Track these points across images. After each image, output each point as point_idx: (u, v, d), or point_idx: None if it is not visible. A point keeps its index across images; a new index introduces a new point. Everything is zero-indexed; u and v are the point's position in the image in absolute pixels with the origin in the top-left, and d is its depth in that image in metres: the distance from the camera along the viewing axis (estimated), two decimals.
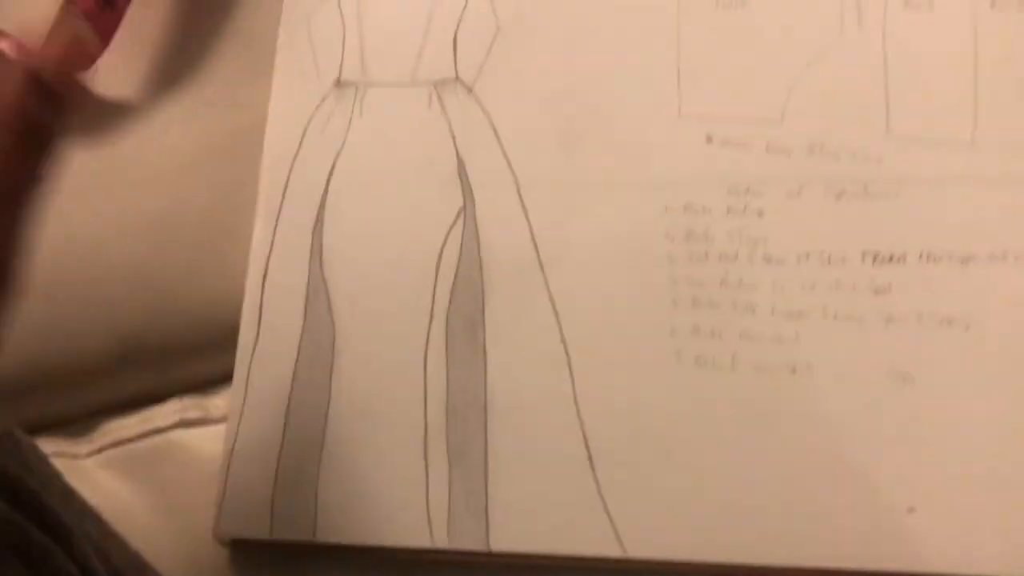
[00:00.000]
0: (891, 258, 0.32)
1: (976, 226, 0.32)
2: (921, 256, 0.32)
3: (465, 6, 0.36)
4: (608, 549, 0.31)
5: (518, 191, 0.34)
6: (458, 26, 0.36)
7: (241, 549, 0.33)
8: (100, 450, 0.35)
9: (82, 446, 0.35)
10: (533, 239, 0.34)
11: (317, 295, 0.34)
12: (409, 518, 0.32)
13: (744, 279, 0.33)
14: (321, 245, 0.35)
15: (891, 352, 0.32)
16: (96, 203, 0.35)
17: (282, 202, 0.35)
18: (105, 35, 0.36)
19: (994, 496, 0.30)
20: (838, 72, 0.34)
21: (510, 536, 0.31)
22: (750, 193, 0.34)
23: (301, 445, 0.32)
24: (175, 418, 0.35)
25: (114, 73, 0.38)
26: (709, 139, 0.34)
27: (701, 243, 0.33)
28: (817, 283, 0.33)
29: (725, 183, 0.34)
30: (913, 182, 0.33)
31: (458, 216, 0.34)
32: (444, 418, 0.33)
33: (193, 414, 0.35)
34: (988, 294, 0.32)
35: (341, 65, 0.36)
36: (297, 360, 0.33)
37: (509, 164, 0.35)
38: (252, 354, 0.33)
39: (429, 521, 0.31)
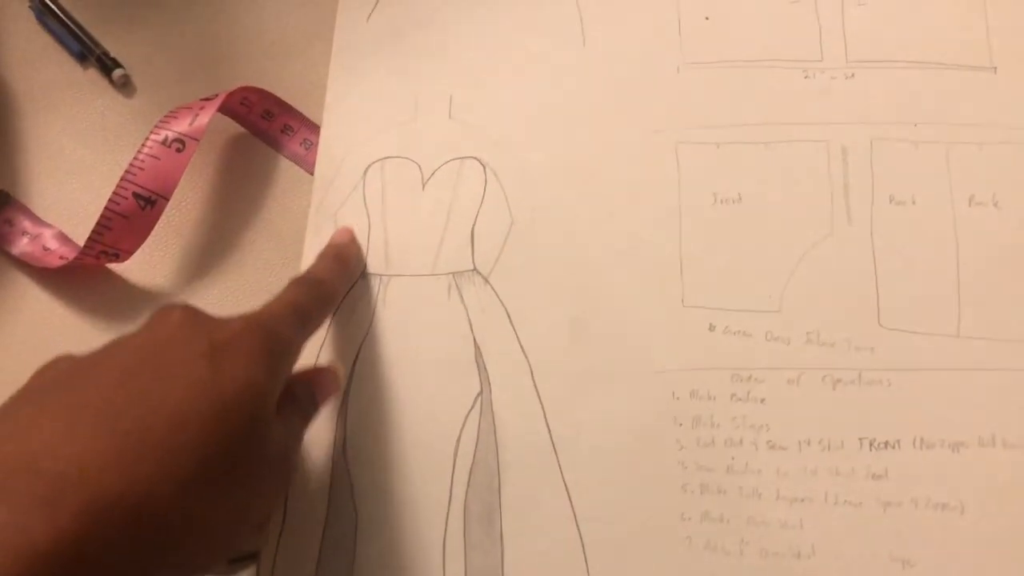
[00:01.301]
0: (886, 444, 0.35)
1: (965, 413, 0.35)
2: (914, 442, 0.35)
3: (482, 202, 0.40)
4: None
5: (532, 377, 0.38)
6: (475, 220, 0.40)
7: None
8: None
9: None
10: (547, 424, 0.37)
11: (341, 484, 0.37)
12: None
13: (750, 465, 0.36)
14: (345, 433, 0.37)
15: (890, 537, 0.34)
16: None
17: None
18: (144, 232, 0.39)
19: None
20: (830, 265, 0.38)
21: None
22: (752, 380, 0.37)
23: None
24: None
25: (147, 264, 0.41)
26: (712, 328, 0.38)
27: (708, 429, 0.36)
28: (818, 469, 0.35)
29: (728, 371, 0.37)
30: (904, 371, 0.36)
31: (475, 401, 0.37)
32: None
33: None
34: (979, 479, 0.35)
35: (367, 257, 0.40)
36: (321, 549, 0.36)
37: (523, 351, 0.38)
38: (278, 543, 0.36)
39: None
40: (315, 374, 0.35)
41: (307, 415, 0.34)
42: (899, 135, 0.39)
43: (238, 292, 0.41)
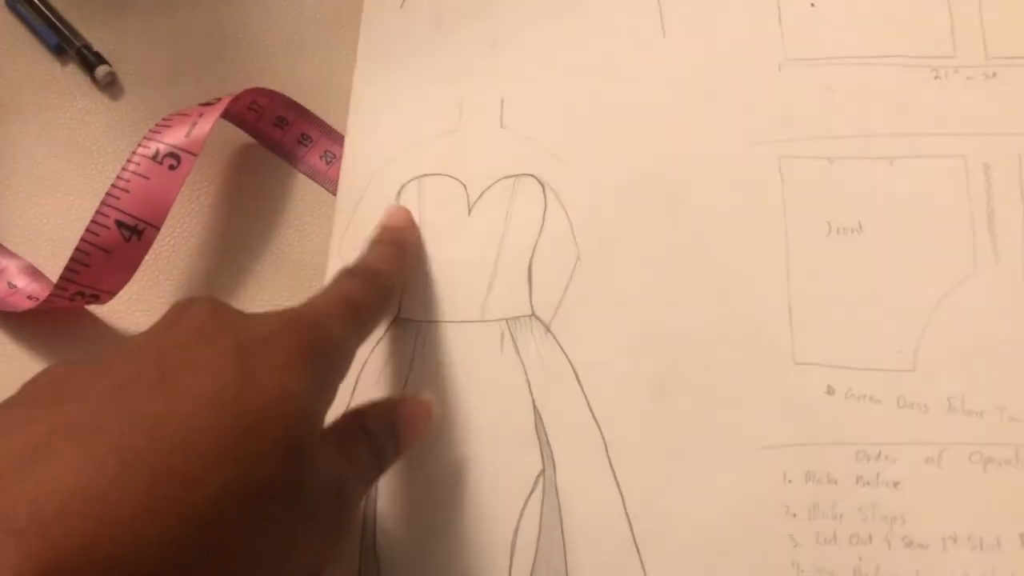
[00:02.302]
0: None
1: None
2: None
3: (541, 232, 0.35)
4: None
5: (607, 453, 0.32)
6: (533, 255, 0.35)
7: None
8: None
9: None
10: (626, 513, 0.31)
11: None
12: None
13: (882, 568, 0.30)
14: (375, 518, 0.32)
15: None
16: None
17: None
18: (129, 268, 0.34)
19: None
20: (975, 312, 0.32)
21: None
22: (883, 459, 0.31)
23: None
24: None
25: (135, 306, 0.36)
26: (830, 391, 0.32)
27: (829, 521, 0.31)
28: (969, 574, 0.29)
29: (852, 446, 0.31)
30: None
31: (536, 483, 0.32)
32: None
33: None
34: None
35: (401, 299, 0.34)
36: None
37: (595, 419, 0.32)
38: None
39: None
40: (399, 404, 0.29)
41: (381, 454, 0.27)
42: None
43: None
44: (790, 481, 0.31)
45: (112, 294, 0.34)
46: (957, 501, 0.30)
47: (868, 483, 0.31)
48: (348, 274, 0.29)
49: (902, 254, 0.33)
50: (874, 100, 0.35)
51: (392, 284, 0.31)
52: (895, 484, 0.31)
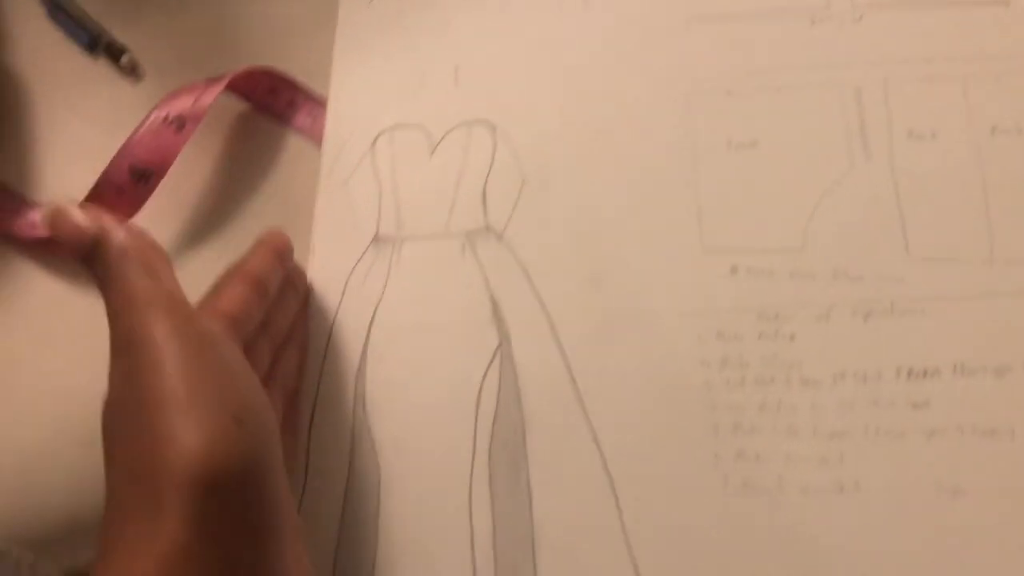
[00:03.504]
0: (925, 373, 0.35)
1: (1006, 338, 0.35)
2: (955, 369, 0.35)
3: (492, 161, 0.41)
4: None
5: (552, 328, 0.38)
6: (487, 180, 0.41)
7: None
8: None
9: None
10: (570, 372, 0.37)
11: (361, 439, 0.37)
12: None
13: (783, 402, 0.35)
14: (364, 391, 0.38)
15: (937, 466, 0.34)
16: None
17: (326, 352, 0.39)
18: (135, 206, 0.40)
19: None
20: (852, 201, 0.38)
21: None
22: (780, 319, 0.37)
23: None
24: None
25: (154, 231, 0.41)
26: (734, 270, 0.38)
27: (737, 369, 0.36)
28: (856, 402, 0.35)
29: (754, 310, 0.37)
30: (938, 299, 0.36)
31: (494, 355, 0.38)
32: (492, 558, 0.35)
33: None
34: None
35: (378, 222, 0.41)
36: (344, 504, 0.36)
37: (541, 303, 0.38)
38: (301, 499, 0.36)
39: None
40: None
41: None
42: (913, 73, 0.40)
43: None
44: (703, 340, 0.37)
45: None
46: (844, 346, 0.36)
47: (768, 337, 0.36)
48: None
49: (789, 160, 0.39)
50: (763, 46, 0.41)
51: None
52: (791, 337, 0.36)
